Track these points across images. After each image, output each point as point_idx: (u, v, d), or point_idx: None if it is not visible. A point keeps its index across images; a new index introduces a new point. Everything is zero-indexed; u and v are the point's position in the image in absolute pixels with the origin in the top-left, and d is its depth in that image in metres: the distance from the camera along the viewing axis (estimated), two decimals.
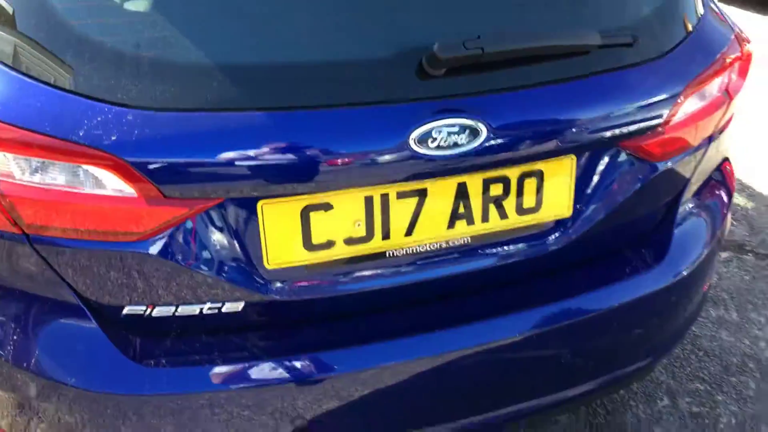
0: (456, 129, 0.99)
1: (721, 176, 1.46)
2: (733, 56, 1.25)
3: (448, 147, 0.99)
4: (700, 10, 1.26)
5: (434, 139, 0.98)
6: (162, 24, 0.92)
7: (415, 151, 0.98)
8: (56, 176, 0.93)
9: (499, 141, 1.03)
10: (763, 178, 2.98)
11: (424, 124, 0.97)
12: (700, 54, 1.19)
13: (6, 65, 0.93)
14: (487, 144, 1.01)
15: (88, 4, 0.95)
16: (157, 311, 1.06)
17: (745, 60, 1.28)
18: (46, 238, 0.98)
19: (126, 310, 1.06)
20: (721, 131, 1.32)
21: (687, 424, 1.85)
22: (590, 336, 1.27)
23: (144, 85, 0.91)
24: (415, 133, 0.97)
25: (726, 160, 1.48)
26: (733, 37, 1.27)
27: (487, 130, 1.00)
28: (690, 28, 1.20)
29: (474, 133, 1.00)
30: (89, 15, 0.94)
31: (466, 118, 0.99)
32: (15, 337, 1.05)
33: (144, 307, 1.06)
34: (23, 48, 0.93)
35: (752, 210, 2.81)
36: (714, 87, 1.22)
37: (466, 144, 1.00)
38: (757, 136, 3.28)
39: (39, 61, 0.93)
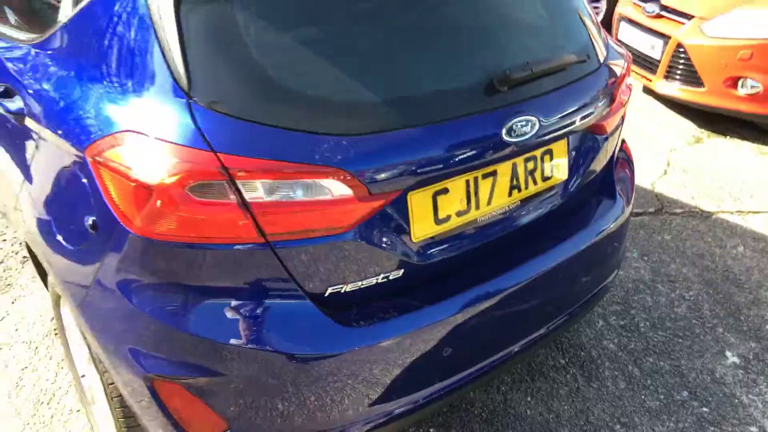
0: (524, 123, 1.54)
1: (623, 146, 2.19)
2: (629, 64, 1.98)
3: (521, 136, 1.54)
4: (605, 36, 1.97)
5: (514, 131, 1.52)
6: (356, 81, 1.36)
7: (505, 141, 1.51)
8: (295, 192, 1.30)
9: (541, 130, 1.59)
10: None
11: (509, 122, 1.51)
12: (619, 63, 1.90)
13: (253, 122, 1.28)
14: (536, 132, 1.57)
15: (309, 78, 1.34)
16: (350, 287, 1.44)
17: (631, 66, 2.02)
18: (280, 242, 1.33)
19: (329, 290, 1.42)
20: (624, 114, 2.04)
21: (620, 333, 2.55)
22: (591, 257, 1.88)
23: (351, 120, 1.33)
24: (505, 128, 1.50)
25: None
26: (625, 52, 2.01)
27: (538, 122, 1.57)
28: (606, 49, 1.90)
29: (532, 125, 1.56)
30: (308, 81, 1.33)
31: (529, 115, 1.54)
32: (254, 327, 1.36)
33: (341, 286, 1.43)
34: (266, 106, 1.30)
35: None
36: (626, 83, 1.93)
37: (529, 132, 1.55)
38: None
39: (276, 114, 1.30)
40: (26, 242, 1.92)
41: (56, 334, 2.52)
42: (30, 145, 1.64)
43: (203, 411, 1.42)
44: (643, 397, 2.26)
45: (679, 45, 4.23)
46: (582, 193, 1.88)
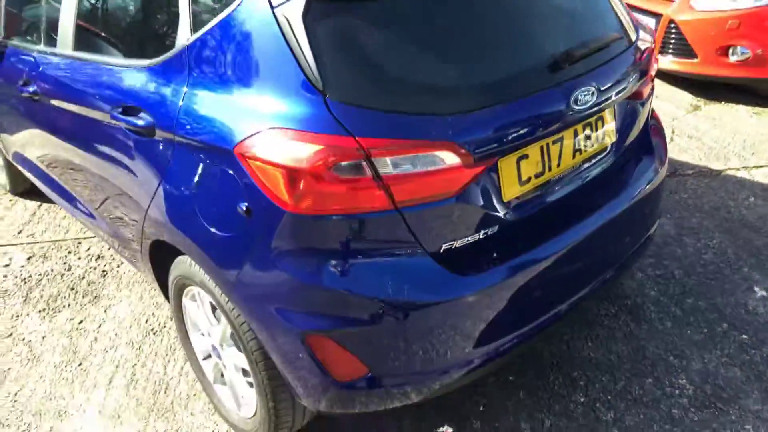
0: (586, 92, 1.83)
1: (653, 114, 2.49)
2: (654, 39, 2.28)
3: (584, 104, 1.83)
4: (632, 16, 2.27)
5: (579, 101, 1.81)
6: (455, 69, 1.64)
7: (574, 109, 1.80)
8: (417, 164, 1.57)
9: (599, 98, 1.88)
10: None
11: (575, 93, 1.80)
12: (647, 39, 2.20)
13: (377, 109, 1.56)
14: (596, 100, 1.86)
15: (417, 69, 1.62)
16: (459, 243, 1.72)
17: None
18: (406, 208, 1.60)
19: (443, 247, 1.70)
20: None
21: (658, 281, 2.85)
22: (641, 207, 2.17)
23: (455, 101, 1.62)
24: (572, 98, 1.79)
25: None
26: (648, 29, 2.31)
27: (597, 91, 1.86)
28: (635, 27, 2.20)
29: (593, 93, 1.84)
30: (417, 72, 1.61)
31: (591, 86, 1.83)
32: (388, 281, 1.63)
33: (452, 242, 1.71)
34: (386, 95, 1.58)
35: None
36: (653, 56, 2.23)
37: (590, 101, 1.84)
38: None
39: (395, 101, 1.58)
40: (150, 246, 2.17)
41: (154, 332, 2.77)
42: (162, 152, 1.90)
43: (348, 358, 1.69)
44: (689, 332, 2.56)
45: (671, 21, 4.56)
46: (628, 152, 2.17)
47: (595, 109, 1.89)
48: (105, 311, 2.94)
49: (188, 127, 1.78)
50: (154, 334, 2.77)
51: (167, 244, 2.08)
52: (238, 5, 1.70)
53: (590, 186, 2.03)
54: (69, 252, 3.43)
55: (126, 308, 2.94)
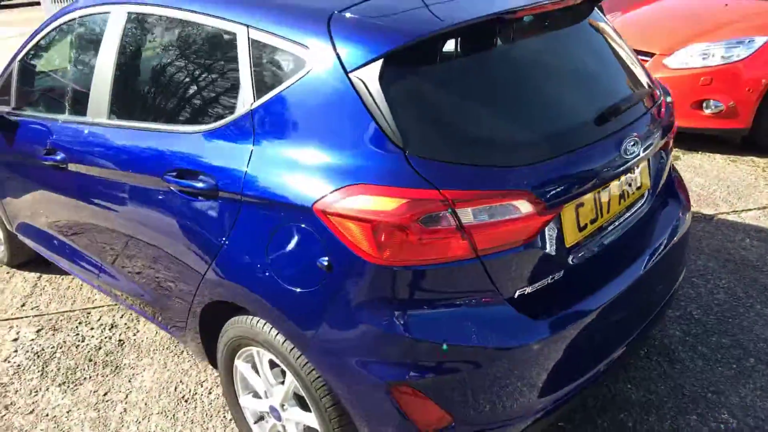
0: (633, 143, 1.95)
1: None
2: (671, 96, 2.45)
3: (632, 153, 1.94)
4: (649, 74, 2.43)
5: (628, 150, 1.93)
6: (522, 126, 1.75)
7: (623, 158, 1.91)
8: (496, 213, 1.64)
9: (641, 147, 2.00)
10: None
11: (624, 142, 1.91)
12: (668, 96, 2.36)
13: (455, 163, 1.63)
14: (639, 149, 1.99)
15: (489, 126, 1.71)
16: (529, 288, 1.78)
17: None
18: (486, 256, 1.66)
19: (518, 292, 1.75)
20: None
21: (679, 321, 2.94)
22: (676, 250, 2.28)
23: (525, 154, 1.71)
24: (622, 148, 1.91)
25: None
26: (664, 87, 2.48)
27: (640, 141, 1.98)
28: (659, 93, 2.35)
29: (636, 144, 1.97)
30: (488, 129, 1.71)
31: (634, 137, 1.96)
32: (469, 327, 1.67)
33: (525, 287, 1.77)
34: (462, 150, 1.66)
35: None
36: (673, 109, 2.39)
37: (636, 150, 1.96)
38: None
39: (470, 155, 1.66)
40: (203, 308, 2.16)
41: (186, 400, 2.71)
42: (226, 213, 1.92)
43: (431, 408, 1.70)
44: (720, 368, 2.64)
45: None
46: (659, 199, 2.29)
47: (640, 157, 2.01)
48: (129, 381, 2.86)
49: (258, 187, 1.82)
50: (186, 401, 2.70)
51: (221, 307, 2.07)
52: (308, 71, 1.77)
53: (633, 232, 2.13)
54: (79, 322, 3.34)
55: (151, 376, 2.87)
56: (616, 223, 2.05)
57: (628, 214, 2.10)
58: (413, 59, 1.70)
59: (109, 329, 3.27)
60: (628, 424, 2.38)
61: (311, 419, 1.95)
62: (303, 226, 1.72)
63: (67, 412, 2.70)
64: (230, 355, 2.19)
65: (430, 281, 1.65)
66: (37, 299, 3.61)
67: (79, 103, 2.66)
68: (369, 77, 1.67)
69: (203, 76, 2.15)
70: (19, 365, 3.03)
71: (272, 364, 2.08)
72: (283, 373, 2.06)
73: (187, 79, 2.21)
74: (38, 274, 3.87)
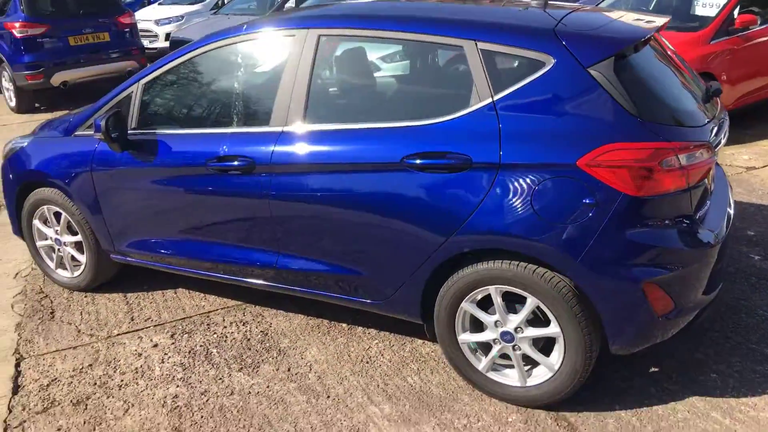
0: (721, 130, 2.85)
1: None
2: None
3: (720, 140, 2.84)
4: None
5: (719, 134, 2.82)
6: (685, 104, 2.59)
7: (717, 141, 2.80)
8: (695, 158, 2.44)
9: (722, 138, 2.90)
10: None
11: (716, 128, 2.81)
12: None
13: (669, 124, 2.43)
14: (722, 138, 2.88)
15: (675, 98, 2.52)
16: (701, 212, 2.60)
17: None
18: (691, 188, 2.45)
19: (698, 214, 2.57)
20: None
21: None
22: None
23: (693, 119, 2.55)
24: (719, 131, 2.80)
25: None
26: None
27: (724, 134, 2.89)
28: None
29: (718, 133, 2.86)
30: (676, 100, 2.52)
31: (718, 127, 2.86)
32: (689, 234, 2.45)
33: (700, 211, 2.58)
34: (669, 114, 2.45)
35: None
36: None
37: (721, 138, 2.86)
38: None
39: (673, 118, 2.46)
40: (435, 267, 2.71)
41: (365, 361, 3.17)
42: (483, 179, 2.52)
43: (664, 297, 2.45)
44: None
45: None
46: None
47: (721, 144, 2.91)
48: (301, 357, 3.25)
49: (516, 154, 2.46)
50: (366, 363, 3.16)
51: (450, 262, 2.65)
52: (547, 70, 2.47)
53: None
54: (207, 325, 3.61)
55: (318, 351, 3.27)
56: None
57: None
58: (623, 56, 2.49)
59: (242, 325, 3.58)
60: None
61: (551, 330, 2.59)
62: (567, 178, 2.40)
63: (267, 387, 3.04)
64: (456, 301, 2.75)
65: (665, 206, 2.41)
66: (142, 313, 3.78)
67: (258, 114, 3.08)
68: (605, 70, 2.41)
69: (427, 80, 2.74)
70: (182, 363, 3.26)
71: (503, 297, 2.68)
72: (514, 303, 2.67)
73: (411, 84, 2.78)
74: (119, 294, 4.00)
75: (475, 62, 2.60)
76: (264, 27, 3.13)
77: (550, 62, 2.48)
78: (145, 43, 11.20)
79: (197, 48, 3.27)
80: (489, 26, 2.67)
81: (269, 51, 3.17)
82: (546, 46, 2.51)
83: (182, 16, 12.45)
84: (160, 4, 13.85)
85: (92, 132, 3.46)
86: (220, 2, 13.13)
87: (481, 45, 2.60)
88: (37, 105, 9.78)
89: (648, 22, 2.82)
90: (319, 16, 3.08)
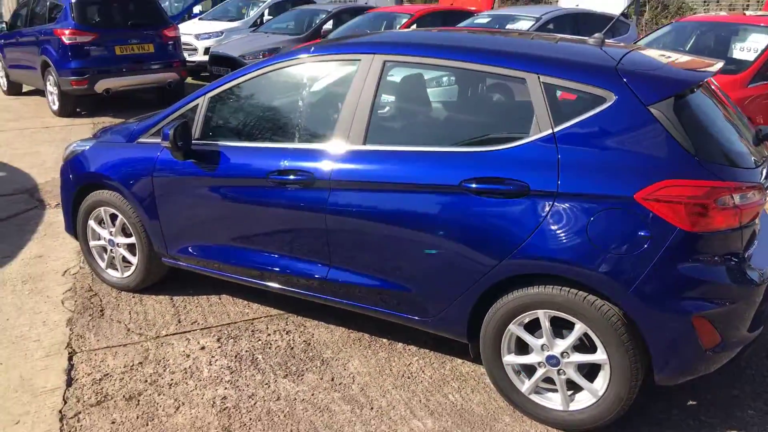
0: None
1: None
2: None
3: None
4: None
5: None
6: (731, 143, 2.68)
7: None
8: (747, 198, 2.54)
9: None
10: None
11: (766, 170, 2.89)
12: None
13: (721, 164, 2.53)
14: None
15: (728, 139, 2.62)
16: (750, 250, 2.68)
17: None
18: (743, 227, 2.54)
19: (746, 253, 2.65)
20: None
21: None
22: None
23: (745, 161, 2.64)
24: (763, 177, 2.88)
25: None
26: None
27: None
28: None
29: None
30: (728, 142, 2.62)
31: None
32: (737, 273, 2.53)
33: (749, 250, 2.67)
34: (722, 154, 2.55)
35: None
36: None
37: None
38: None
39: (728, 158, 2.56)
40: (486, 288, 2.81)
41: (406, 376, 3.25)
42: (538, 207, 2.62)
43: (712, 331, 2.53)
44: None
45: None
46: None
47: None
48: (344, 368, 3.34)
49: (574, 185, 2.57)
50: (408, 378, 3.25)
51: (498, 286, 2.75)
52: (608, 105, 2.59)
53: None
54: (251, 331, 3.72)
55: (361, 363, 3.37)
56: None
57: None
58: (682, 96, 2.60)
59: (285, 333, 3.69)
60: None
61: (597, 357, 2.67)
62: (623, 210, 2.50)
63: (312, 395, 3.13)
64: (504, 322, 2.84)
65: (717, 242, 2.50)
66: (188, 316, 3.90)
67: (320, 131, 3.22)
68: (665, 109, 2.53)
69: (486, 109, 2.87)
70: (229, 367, 3.37)
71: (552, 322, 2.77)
72: (561, 328, 2.75)
73: (470, 111, 2.91)
74: (166, 296, 4.13)
75: (537, 94, 2.72)
76: (331, 50, 3.28)
77: (611, 98, 2.60)
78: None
79: (265, 66, 3.43)
80: (551, 61, 2.79)
81: (334, 72, 3.32)
82: (607, 83, 2.63)
83: (222, 32, 12.76)
84: (200, 19, 14.20)
85: (156, 140, 3.62)
86: (258, 21, 13.45)
87: (544, 78, 2.72)
88: (78, 110, 10.05)
89: (703, 65, 2.93)
90: (385, 43, 3.23)
